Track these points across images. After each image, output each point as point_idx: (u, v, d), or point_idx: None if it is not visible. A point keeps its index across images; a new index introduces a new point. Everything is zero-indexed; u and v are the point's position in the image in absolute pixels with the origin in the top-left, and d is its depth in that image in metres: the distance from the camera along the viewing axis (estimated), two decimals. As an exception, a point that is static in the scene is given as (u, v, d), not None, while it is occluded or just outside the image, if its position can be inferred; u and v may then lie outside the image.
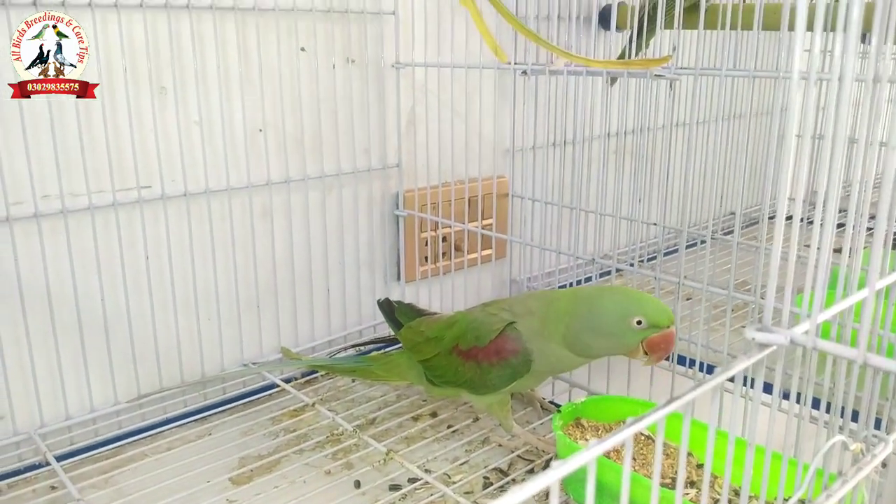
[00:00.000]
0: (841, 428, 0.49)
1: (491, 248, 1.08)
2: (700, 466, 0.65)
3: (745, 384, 0.71)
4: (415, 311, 0.81)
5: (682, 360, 0.80)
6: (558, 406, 0.77)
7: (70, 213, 0.71)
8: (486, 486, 0.68)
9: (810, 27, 0.32)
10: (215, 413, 0.80)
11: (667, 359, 0.75)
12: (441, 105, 0.96)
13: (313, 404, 0.79)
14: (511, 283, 1.11)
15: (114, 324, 0.76)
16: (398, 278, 1.00)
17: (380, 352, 0.87)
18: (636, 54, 0.94)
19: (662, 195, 0.95)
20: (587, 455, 0.28)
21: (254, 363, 0.86)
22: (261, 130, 0.83)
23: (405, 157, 0.96)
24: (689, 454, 0.66)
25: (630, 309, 0.64)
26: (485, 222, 1.05)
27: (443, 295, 1.01)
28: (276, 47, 0.81)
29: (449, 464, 0.71)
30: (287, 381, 0.85)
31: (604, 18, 1.08)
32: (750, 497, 0.55)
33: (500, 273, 1.12)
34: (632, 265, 0.84)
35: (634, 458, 0.66)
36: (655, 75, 0.67)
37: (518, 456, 0.72)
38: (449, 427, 0.78)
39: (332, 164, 0.89)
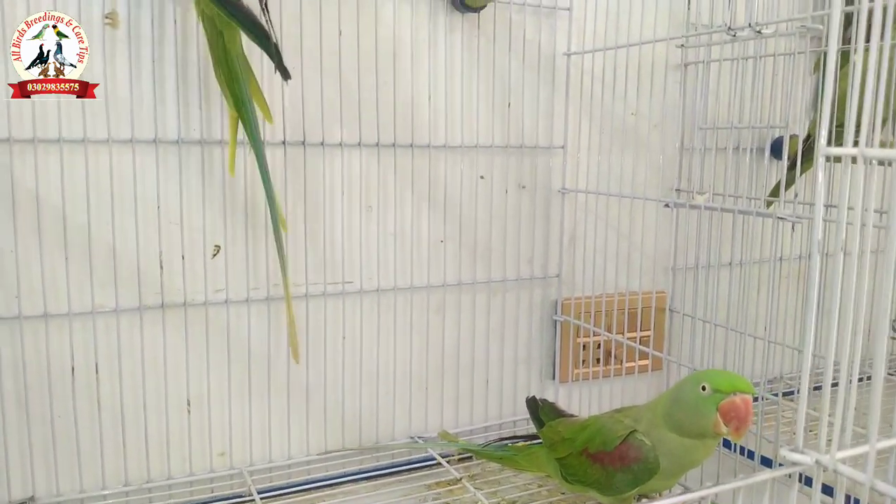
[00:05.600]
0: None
1: (648, 358, 1.15)
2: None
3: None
4: (556, 412, 0.91)
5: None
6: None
7: (293, 299, 0.91)
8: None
9: None
10: (382, 475, 0.95)
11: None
12: (602, 224, 1.09)
13: (460, 479, 0.91)
14: (666, 394, 1.16)
15: (313, 389, 0.95)
16: (553, 378, 1.11)
17: (525, 443, 0.97)
18: (787, 188, 1.00)
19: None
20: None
21: (420, 437, 1.01)
22: (442, 241, 1.00)
23: (565, 268, 1.09)
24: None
25: (699, 378, 0.71)
26: (642, 334, 1.14)
27: (591, 398, 1.11)
28: (459, 175, 1.00)
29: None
30: (444, 456, 0.98)
31: (776, 149, 1.16)
32: None
33: (658, 384, 1.19)
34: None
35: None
36: (778, 217, 0.75)
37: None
38: (579, 517, 0.86)
39: (498, 271, 1.04)
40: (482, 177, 1.01)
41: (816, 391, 1.19)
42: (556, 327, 1.10)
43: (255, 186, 0.88)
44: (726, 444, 1.01)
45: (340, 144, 0.92)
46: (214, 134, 0.86)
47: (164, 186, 0.84)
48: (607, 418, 0.81)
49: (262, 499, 0.85)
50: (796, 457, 0.44)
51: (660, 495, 0.88)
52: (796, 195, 0.91)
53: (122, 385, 0.85)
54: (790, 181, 1.01)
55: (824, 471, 0.45)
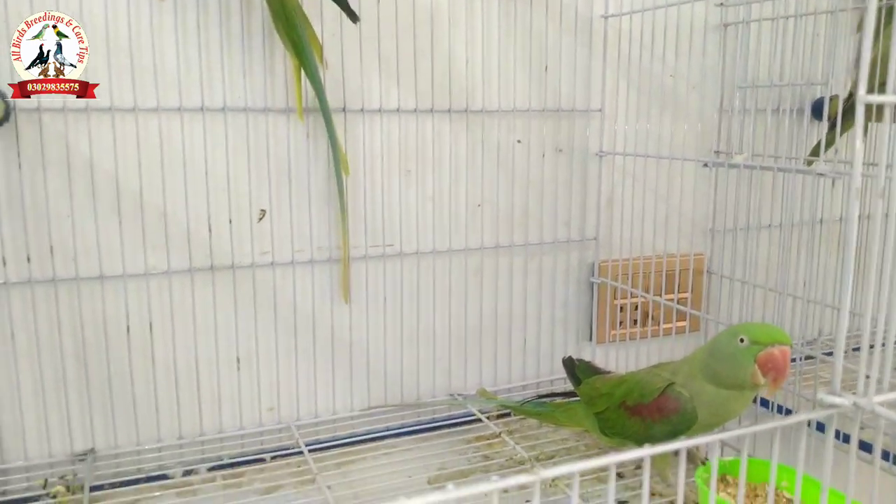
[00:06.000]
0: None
1: (685, 319, 1.16)
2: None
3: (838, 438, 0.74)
4: (592, 369, 0.92)
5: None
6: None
7: (334, 262, 0.95)
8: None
9: None
10: (424, 430, 0.99)
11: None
12: (640, 186, 1.09)
13: (499, 434, 0.94)
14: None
15: (356, 349, 0.98)
16: (590, 339, 1.13)
17: (562, 400, 0.99)
18: (827, 148, 0.99)
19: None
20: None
21: (459, 394, 1.04)
22: (479, 205, 1.02)
23: (602, 231, 1.10)
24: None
25: (737, 330, 0.71)
26: (680, 295, 1.14)
27: (628, 359, 1.12)
28: (496, 139, 1.01)
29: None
30: (483, 413, 1.01)
31: (816, 110, 1.14)
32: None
33: (696, 345, 1.19)
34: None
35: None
36: (818, 173, 0.75)
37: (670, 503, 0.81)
38: (616, 471, 0.88)
39: (535, 234, 1.06)
40: (519, 141, 1.02)
41: (856, 352, 1.18)
42: (593, 289, 1.11)
43: (298, 154, 0.91)
44: (764, 403, 1.02)
45: (380, 110, 0.94)
46: (258, 102, 0.88)
47: (211, 153, 0.87)
48: (645, 372, 0.83)
49: (309, 451, 0.89)
50: (834, 399, 0.45)
51: (697, 449, 0.89)
52: (836, 151, 0.91)
53: (175, 343, 0.89)
54: (830, 141, 1.00)
55: (862, 413, 0.46)
